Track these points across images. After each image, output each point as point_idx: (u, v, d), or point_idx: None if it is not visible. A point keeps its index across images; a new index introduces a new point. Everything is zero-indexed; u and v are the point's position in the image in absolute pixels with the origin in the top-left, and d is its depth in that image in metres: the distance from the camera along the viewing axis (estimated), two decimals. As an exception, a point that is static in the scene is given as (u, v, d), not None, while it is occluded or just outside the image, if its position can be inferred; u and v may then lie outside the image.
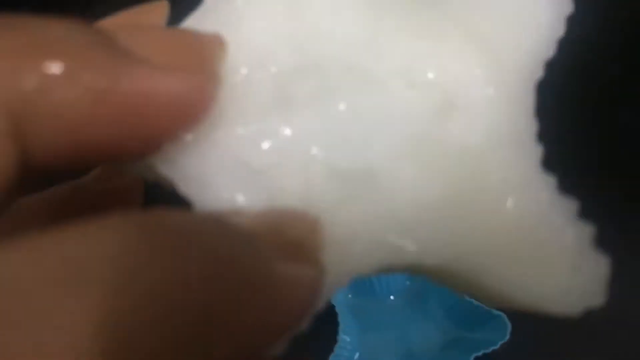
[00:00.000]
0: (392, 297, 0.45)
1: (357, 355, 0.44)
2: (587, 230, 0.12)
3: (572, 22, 0.12)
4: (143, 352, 0.09)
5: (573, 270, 0.12)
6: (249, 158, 0.11)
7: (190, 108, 0.11)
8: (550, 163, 0.12)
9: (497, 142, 0.11)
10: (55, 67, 0.11)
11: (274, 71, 0.11)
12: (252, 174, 0.11)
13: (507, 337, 0.41)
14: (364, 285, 0.44)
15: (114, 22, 0.13)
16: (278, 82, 0.11)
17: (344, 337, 0.44)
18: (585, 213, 0.12)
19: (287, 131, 0.11)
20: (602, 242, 0.13)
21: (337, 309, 0.43)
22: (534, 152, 0.12)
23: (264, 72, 0.11)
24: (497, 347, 0.40)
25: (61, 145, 0.11)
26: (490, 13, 0.12)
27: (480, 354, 0.41)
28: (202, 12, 0.12)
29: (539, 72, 0.12)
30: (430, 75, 0.11)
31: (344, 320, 0.43)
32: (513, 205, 0.12)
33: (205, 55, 0.12)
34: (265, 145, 0.11)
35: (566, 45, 0.13)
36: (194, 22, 0.12)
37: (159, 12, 0.13)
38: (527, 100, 0.12)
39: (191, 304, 0.09)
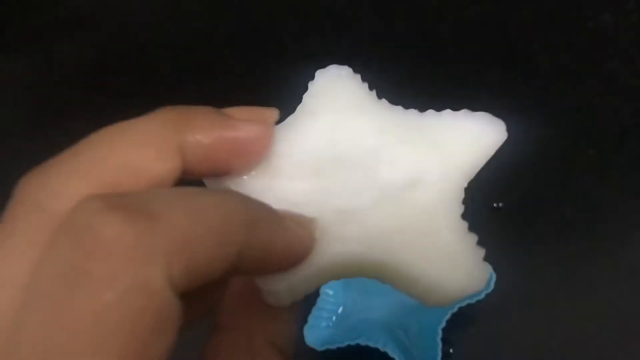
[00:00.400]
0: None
1: (340, 309, 0.43)
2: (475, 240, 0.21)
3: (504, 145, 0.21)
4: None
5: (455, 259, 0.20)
6: (287, 195, 0.20)
7: (260, 144, 0.20)
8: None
9: (434, 200, 0.21)
10: (197, 132, 0.19)
11: (313, 157, 0.21)
12: (288, 204, 0.20)
13: (492, 287, 0.40)
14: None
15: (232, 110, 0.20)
16: (313, 163, 0.21)
17: (327, 291, 0.43)
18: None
19: (312, 186, 0.21)
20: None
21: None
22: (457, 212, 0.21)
23: (307, 155, 0.21)
24: (481, 297, 0.40)
25: (197, 166, 0.19)
26: (446, 136, 0.22)
27: (464, 305, 0.40)
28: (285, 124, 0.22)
29: (473, 171, 0.21)
30: (408, 164, 0.21)
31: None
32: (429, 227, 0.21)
33: (268, 117, 0.20)
34: (298, 190, 0.21)
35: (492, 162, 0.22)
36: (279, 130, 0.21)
37: (271, 114, 0.20)
38: (459, 188, 0.21)
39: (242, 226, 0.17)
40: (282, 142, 0.21)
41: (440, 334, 0.39)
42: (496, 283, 0.40)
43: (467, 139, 0.22)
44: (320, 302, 0.42)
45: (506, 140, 0.22)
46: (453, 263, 0.20)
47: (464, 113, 0.22)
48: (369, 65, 0.22)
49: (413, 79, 0.50)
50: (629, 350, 0.40)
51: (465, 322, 0.42)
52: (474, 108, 0.22)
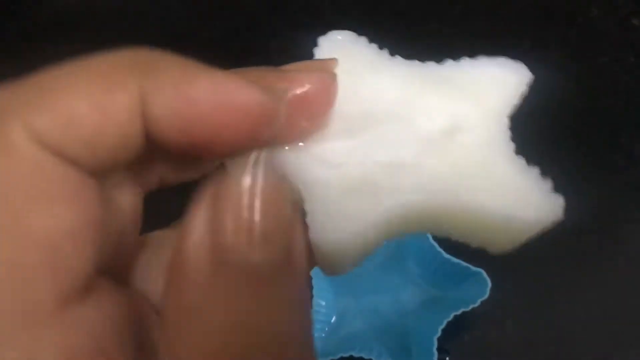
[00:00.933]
0: (366, 261, 0.43)
1: (333, 319, 0.42)
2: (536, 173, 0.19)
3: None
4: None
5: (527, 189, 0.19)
6: (327, 157, 0.19)
7: (324, 96, 0.18)
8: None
9: (483, 141, 0.20)
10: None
11: (342, 116, 0.19)
12: (331, 167, 0.19)
13: (487, 294, 0.39)
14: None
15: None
16: (344, 122, 0.19)
17: (319, 302, 0.42)
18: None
19: (350, 144, 0.19)
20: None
21: (311, 273, 0.41)
22: (508, 146, 0.20)
23: (335, 115, 0.19)
24: (477, 304, 0.39)
25: (175, 129, 0.15)
26: (472, 81, 0.21)
27: (459, 312, 0.39)
28: None
29: (509, 110, 0.20)
30: (443, 112, 0.20)
31: (318, 284, 0.42)
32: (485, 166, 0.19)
33: (327, 66, 0.19)
34: (343, 149, 0.19)
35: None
36: None
37: (330, 63, 0.19)
38: (501, 125, 0.20)
39: None
40: None
41: (435, 344, 0.39)
42: (491, 290, 0.39)
43: (494, 81, 0.21)
44: (313, 313, 0.41)
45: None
46: (521, 197, 0.18)
47: (482, 60, 0.21)
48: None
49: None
50: (627, 357, 0.40)
51: (460, 329, 0.41)
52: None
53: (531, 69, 0.20)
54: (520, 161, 0.19)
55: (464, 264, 0.40)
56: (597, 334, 0.40)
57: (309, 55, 0.20)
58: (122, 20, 0.58)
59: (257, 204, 0.15)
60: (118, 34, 0.56)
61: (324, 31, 0.20)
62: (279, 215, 0.15)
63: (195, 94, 0.15)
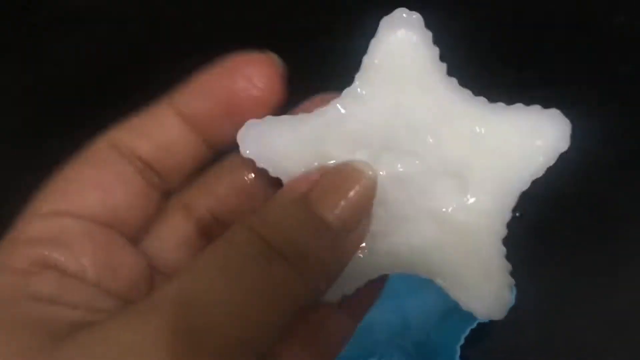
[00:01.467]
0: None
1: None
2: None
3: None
4: None
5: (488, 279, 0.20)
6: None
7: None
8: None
9: (475, 216, 0.20)
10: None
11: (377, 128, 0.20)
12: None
13: (514, 301, 0.38)
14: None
15: None
16: (376, 137, 0.20)
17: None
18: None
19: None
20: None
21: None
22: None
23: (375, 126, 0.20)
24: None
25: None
26: (504, 139, 0.20)
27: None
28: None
29: (525, 186, 0.20)
30: (456, 158, 0.20)
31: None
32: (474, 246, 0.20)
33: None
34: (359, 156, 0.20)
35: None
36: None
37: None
38: (505, 205, 0.20)
39: None
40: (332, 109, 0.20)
41: (458, 352, 0.38)
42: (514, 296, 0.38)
43: (526, 147, 0.19)
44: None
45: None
46: (483, 286, 0.20)
47: (530, 111, 0.20)
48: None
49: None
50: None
51: (481, 336, 0.40)
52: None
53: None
54: (500, 254, 0.20)
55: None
56: (624, 341, 0.40)
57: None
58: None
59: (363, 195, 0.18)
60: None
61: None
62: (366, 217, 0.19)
63: None
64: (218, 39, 0.49)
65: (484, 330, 0.40)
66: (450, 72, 0.20)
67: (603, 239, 0.43)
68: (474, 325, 0.38)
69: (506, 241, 0.20)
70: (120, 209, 0.18)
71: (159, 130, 0.19)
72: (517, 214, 0.43)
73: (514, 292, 0.38)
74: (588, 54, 0.48)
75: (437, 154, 0.20)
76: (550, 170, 0.19)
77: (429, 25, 0.19)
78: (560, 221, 0.44)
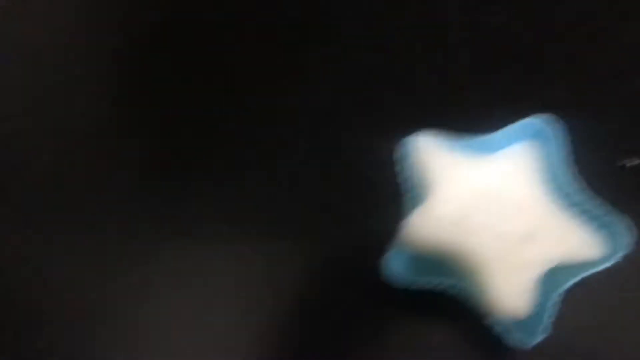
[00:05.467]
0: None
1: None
2: None
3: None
4: None
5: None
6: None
7: None
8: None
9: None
10: None
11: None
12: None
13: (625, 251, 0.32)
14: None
15: None
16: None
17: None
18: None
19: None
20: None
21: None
22: None
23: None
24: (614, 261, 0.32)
25: None
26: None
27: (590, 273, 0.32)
28: None
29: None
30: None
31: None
32: None
33: None
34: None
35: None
36: None
37: None
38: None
39: None
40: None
41: (555, 300, 0.32)
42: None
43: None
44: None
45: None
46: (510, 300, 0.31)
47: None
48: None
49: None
50: None
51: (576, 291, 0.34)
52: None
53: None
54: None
55: (603, 208, 0.33)
56: None
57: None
58: None
59: None
60: None
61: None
62: None
63: None
64: None
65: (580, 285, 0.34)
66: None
67: None
68: (579, 278, 0.32)
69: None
70: None
71: None
72: (628, 164, 0.37)
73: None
74: None
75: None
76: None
77: None
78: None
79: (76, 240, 0.38)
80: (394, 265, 0.32)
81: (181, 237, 0.38)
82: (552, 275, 0.33)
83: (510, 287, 0.31)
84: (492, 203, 0.32)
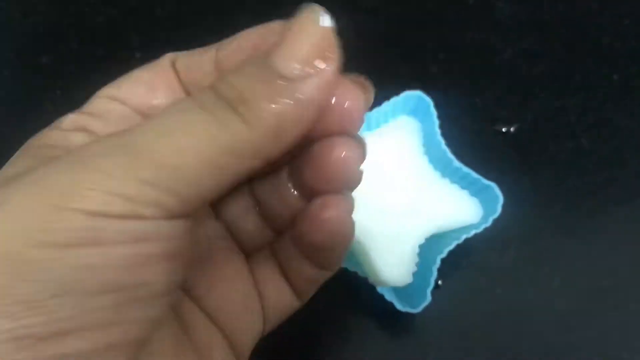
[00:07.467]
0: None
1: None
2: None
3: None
4: None
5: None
6: None
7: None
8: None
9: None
10: None
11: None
12: None
13: (498, 212, 0.35)
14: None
15: None
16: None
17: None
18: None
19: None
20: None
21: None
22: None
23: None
24: (488, 224, 0.35)
25: None
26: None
27: (471, 235, 0.35)
28: None
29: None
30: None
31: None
32: None
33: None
34: None
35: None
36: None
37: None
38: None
39: None
40: None
41: (438, 264, 0.34)
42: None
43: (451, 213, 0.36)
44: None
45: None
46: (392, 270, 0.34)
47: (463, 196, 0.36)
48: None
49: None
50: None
51: (459, 254, 0.36)
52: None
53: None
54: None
55: (476, 175, 0.36)
56: (614, 269, 0.37)
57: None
58: None
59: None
60: None
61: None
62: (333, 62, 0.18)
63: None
64: None
65: (463, 248, 0.36)
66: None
67: (600, 159, 0.40)
68: (461, 240, 0.34)
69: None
70: (159, 104, 0.22)
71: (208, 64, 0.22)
72: (507, 129, 0.40)
73: (500, 201, 0.35)
74: None
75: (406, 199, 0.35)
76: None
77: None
78: (555, 138, 0.40)
79: None
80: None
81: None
82: (433, 242, 0.35)
83: (393, 257, 0.32)
84: (373, 177, 0.34)
